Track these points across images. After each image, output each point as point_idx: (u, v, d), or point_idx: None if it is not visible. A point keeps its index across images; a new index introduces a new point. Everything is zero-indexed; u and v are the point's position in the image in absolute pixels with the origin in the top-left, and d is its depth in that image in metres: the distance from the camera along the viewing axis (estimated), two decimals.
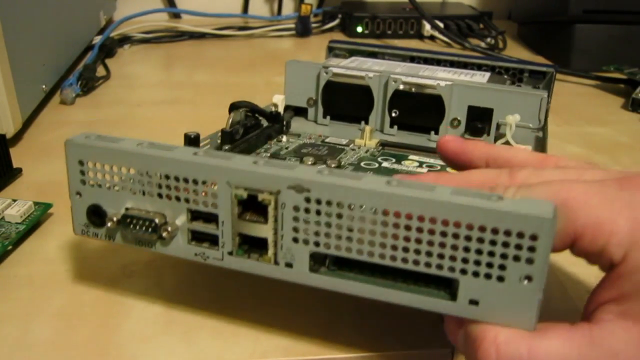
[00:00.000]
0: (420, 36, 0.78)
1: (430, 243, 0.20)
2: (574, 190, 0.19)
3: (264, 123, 0.39)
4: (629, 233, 0.18)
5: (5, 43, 0.40)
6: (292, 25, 0.77)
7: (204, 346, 0.26)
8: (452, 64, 0.50)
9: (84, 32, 0.65)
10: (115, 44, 0.67)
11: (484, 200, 0.19)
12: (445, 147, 0.26)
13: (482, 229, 0.19)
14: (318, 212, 0.20)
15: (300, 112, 0.45)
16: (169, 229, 0.23)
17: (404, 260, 0.20)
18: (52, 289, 0.29)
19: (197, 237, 0.23)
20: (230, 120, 0.36)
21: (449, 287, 0.21)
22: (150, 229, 0.23)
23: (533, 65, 0.48)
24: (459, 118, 0.40)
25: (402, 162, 0.36)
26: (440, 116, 0.40)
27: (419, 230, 0.20)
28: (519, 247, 0.19)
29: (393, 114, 0.42)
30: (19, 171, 0.39)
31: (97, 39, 0.65)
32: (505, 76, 0.47)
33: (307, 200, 0.20)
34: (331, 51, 0.54)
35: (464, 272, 0.20)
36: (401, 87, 0.40)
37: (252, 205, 0.22)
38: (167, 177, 0.22)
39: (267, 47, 0.73)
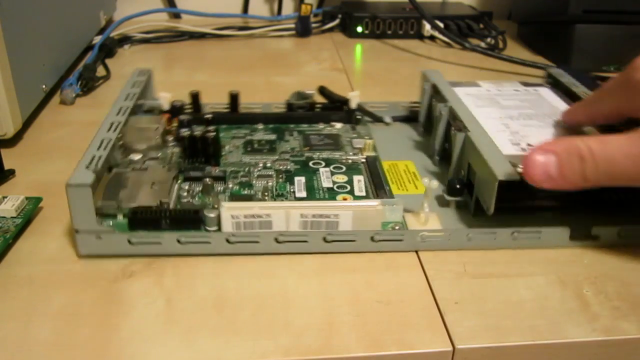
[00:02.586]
0: (420, 36, 0.78)
1: None
2: None
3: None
4: None
5: (5, 43, 0.41)
6: (292, 25, 0.77)
7: (204, 346, 0.26)
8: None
9: (84, 32, 0.65)
10: (115, 44, 0.67)
11: None
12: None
13: None
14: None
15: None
16: None
17: None
18: (52, 289, 0.29)
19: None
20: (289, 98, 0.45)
21: None
22: None
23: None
24: None
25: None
26: None
27: None
28: None
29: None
30: (11, 172, 0.39)
31: (97, 39, 0.65)
32: None
33: None
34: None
35: None
36: None
37: None
38: None
39: (267, 47, 0.73)
